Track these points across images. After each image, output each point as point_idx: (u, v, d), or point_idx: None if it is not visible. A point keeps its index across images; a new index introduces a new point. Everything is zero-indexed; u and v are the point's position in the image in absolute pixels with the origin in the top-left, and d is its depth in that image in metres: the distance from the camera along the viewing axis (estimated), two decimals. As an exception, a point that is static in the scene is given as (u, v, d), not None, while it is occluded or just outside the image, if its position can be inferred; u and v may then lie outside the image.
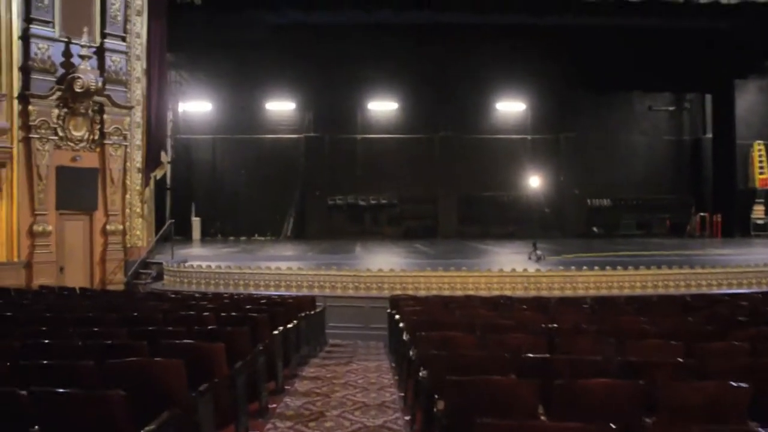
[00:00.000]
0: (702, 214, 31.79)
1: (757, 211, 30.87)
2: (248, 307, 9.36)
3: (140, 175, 18.34)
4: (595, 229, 32.12)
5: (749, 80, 31.11)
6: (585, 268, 13.87)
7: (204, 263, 15.94)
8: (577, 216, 32.29)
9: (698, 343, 6.40)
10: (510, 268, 14.21)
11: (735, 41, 27.19)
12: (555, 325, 7.86)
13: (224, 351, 6.05)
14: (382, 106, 32.83)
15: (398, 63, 29.67)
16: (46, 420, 4.25)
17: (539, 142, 32.70)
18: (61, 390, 4.28)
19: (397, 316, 10.03)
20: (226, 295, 12.61)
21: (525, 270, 13.88)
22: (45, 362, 5.18)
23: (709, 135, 32.88)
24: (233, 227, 32.03)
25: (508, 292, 13.75)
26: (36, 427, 4.23)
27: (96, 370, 4.93)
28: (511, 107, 33.02)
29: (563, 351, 6.34)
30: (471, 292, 13.72)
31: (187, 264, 16.23)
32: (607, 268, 13.89)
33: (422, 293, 13.77)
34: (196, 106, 32.49)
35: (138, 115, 18.28)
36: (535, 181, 21.27)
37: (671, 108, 33.80)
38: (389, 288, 13.97)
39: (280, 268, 14.52)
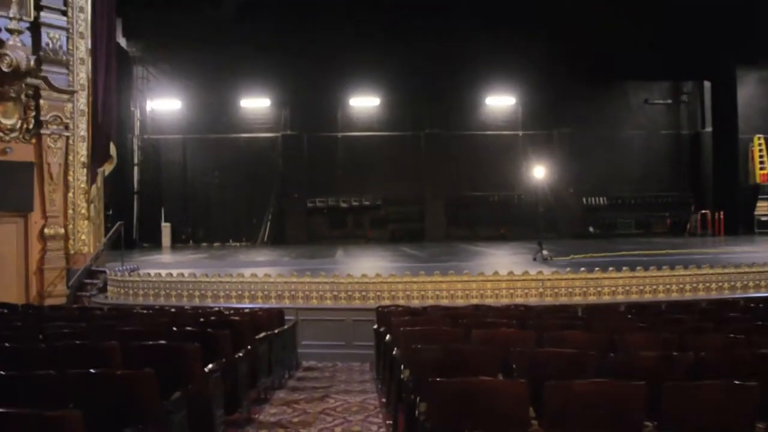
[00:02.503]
0: (703, 211, 29.39)
1: (761, 208, 28.55)
2: (182, 329, 6.56)
3: (85, 170, 15.40)
4: (591, 229, 29.61)
5: (749, 72, 28.81)
6: (611, 269, 11.20)
7: (155, 271, 13.09)
8: (572, 216, 29.73)
9: None
10: (520, 270, 11.50)
11: (738, 22, 24.74)
12: (623, 355, 5.18)
13: (81, 420, 3.29)
14: (364, 102, 30.21)
15: (380, 55, 27.05)
16: None
17: (531, 138, 30.16)
18: None
19: (387, 337, 7.27)
20: (173, 310, 9.81)
21: (540, 272, 11.19)
22: None
23: (709, 129, 30.50)
24: (206, 233, 29.26)
25: (519, 300, 11.05)
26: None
27: None
28: (500, 102, 30.51)
29: (681, 411, 3.64)
30: (475, 300, 10.98)
31: (136, 272, 13.37)
32: (639, 268, 11.23)
33: (416, 303, 11.02)
34: (164, 104, 29.68)
35: (82, 101, 15.34)
36: (539, 172, 18.62)
37: (668, 101, 31.44)
38: (375, 297, 11.21)
39: (242, 275, 11.71)
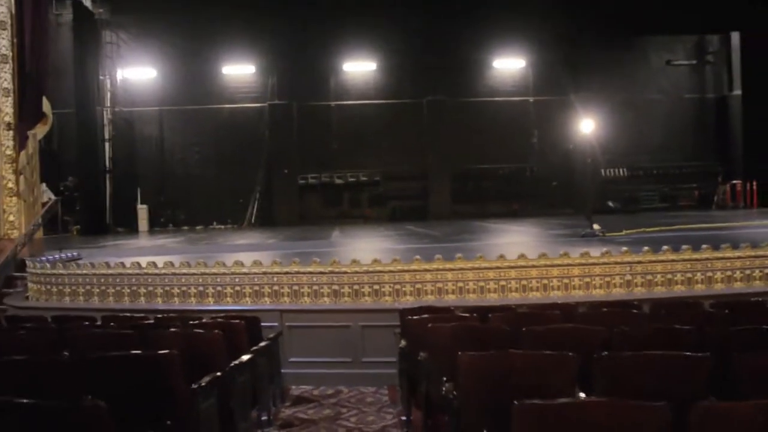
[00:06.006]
0: (733, 182, 25.98)
1: (799, 176, 25.19)
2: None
3: (11, 133, 11.70)
4: (610, 203, 26.06)
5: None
6: (727, 245, 7.67)
7: (90, 262, 9.45)
8: (588, 189, 26.20)
9: None
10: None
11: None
12: None
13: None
14: (360, 67, 26.50)
15: (377, 14, 23.40)
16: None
17: (543, 104, 26.59)
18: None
19: (447, 386, 3.68)
20: (86, 323, 6.21)
21: (626, 252, 7.66)
22: None
23: (737, 92, 26.98)
24: (187, 215, 25.60)
25: (598, 291, 7.50)
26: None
27: None
28: (509, 64, 26.89)
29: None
30: (536, 294, 7.44)
31: (63, 262, 9.71)
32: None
33: (451, 299, 7.45)
34: (137, 73, 25.82)
35: (4, 44, 11.65)
36: (587, 126, 14.89)
37: (692, 62, 27.87)
38: (392, 292, 7.61)
39: (205, 264, 8.10)
